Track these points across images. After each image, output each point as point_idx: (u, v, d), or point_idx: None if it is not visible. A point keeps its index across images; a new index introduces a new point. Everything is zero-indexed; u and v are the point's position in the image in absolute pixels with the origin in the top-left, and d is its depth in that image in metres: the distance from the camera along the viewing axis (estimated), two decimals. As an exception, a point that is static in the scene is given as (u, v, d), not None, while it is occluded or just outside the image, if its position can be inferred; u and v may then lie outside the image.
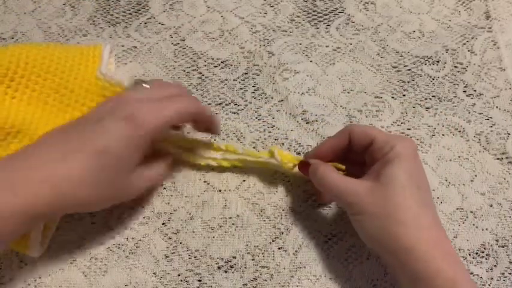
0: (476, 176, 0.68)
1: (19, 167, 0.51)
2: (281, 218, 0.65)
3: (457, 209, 0.66)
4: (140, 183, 0.58)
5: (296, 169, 0.65)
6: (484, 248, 0.64)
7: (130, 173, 0.55)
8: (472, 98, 0.74)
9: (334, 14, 0.82)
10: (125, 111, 0.53)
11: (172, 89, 0.61)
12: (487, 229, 0.65)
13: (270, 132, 0.71)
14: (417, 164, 0.57)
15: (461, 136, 0.71)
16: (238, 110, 0.73)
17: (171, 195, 0.66)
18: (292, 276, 0.62)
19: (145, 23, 0.80)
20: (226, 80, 0.75)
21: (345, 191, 0.56)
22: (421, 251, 0.51)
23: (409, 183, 0.54)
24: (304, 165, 0.63)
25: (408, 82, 0.75)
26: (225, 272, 0.62)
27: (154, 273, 0.62)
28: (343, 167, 0.64)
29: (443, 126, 0.71)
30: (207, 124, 0.63)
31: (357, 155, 0.61)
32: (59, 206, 0.51)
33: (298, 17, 0.81)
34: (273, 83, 0.75)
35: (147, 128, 0.53)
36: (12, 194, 0.48)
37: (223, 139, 0.70)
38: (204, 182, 0.67)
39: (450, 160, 0.69)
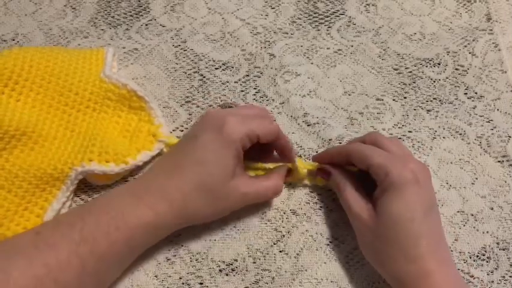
0: (477, 178, 0.68)
1: (141, 183, 0.60)
2: (282, 221, 0.65)
3: (458, 211, 0.66)
4: (245, 187, 0.61)
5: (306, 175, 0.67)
6: (485, 251, 0.64)
7: (230, 179, 0.59)
8: (473, 101, 0.74)
9: (335, 16, 0.82)
10: (216, 124, 0.59)
11: (256, 109, 0.65)
12: (487, 232, 0.65)
13: (271, 134, 0.71)
14: (416, 192, 0.55)
15: (462, 139, 0.71)
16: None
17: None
18: (293, 279, 0.62)
19: (146, 25, 0.80)
20: (227, 82, 0.75)
21: (354, 213, 0.59)
22: (409, 284, 0.53)
23: (401, 216, 0.54)
24: (323, 170, 0.65)
25: (409, 84, 0.75)
26: (227, 275, 0.62)
27: (155, 276, 0.62)
28: (355, 169, 0.63)
29: (444, 129, 0.71)
30: (283, 150, 0.65)
31: None
32: (173, 216, 0.58)
33: (299, 19, 0.81)
34: (274, 85, 0.75)
35: (235, 136, 0.58)
36: (143, 204, 0.56)
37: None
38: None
39: (451, 163, 0.69)
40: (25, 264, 0.50)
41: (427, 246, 0.54)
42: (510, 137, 0.71)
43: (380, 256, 0.56)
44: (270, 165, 0.66)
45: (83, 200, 0.66)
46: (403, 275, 0.53)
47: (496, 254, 0.64)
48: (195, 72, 0.76)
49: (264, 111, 0.66)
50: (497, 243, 0.64)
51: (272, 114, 0.72)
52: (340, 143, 0.70)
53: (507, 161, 0.69)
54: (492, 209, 0.66)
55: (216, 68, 0.76)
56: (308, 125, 0.71)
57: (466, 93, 0.75)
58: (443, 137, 0.71)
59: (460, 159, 0.69)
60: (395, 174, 0.55)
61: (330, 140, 0.70)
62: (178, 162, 0.59)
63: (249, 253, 0.63)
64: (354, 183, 0.61)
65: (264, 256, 0.63)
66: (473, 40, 0.79)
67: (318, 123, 0.72)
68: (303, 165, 0.66)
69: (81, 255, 0.52)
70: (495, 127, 0.72)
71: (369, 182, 0.60)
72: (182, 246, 0.63)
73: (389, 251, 0.54)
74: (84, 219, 0.54)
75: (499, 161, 0.69)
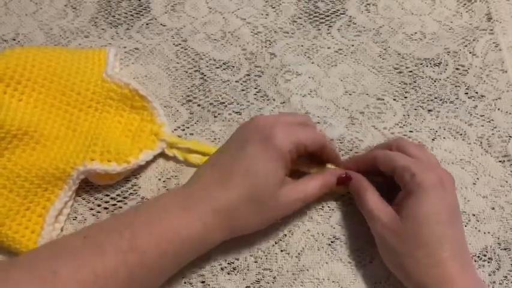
0: (478, 179, 0.68)
1: (189, 193, 0.59)
2: (284, 221, 0.65)
3: (459, 212, 0.66)
4: (292, 197, 0.60)
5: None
6: (486, 252, 0.64)
7: (278, 190, 0.59)
8: (473, 100, 0.74)
9: (336, 16, 0.82)
10: (263, 135, 0.58)
11: (299, 116, 0.65)
12: (489, 232, 0.65)
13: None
14: (441, 196, 0.56)
15: (463, 139, 0.71)
16: (241, 109, 0.73)
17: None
18: (295, 279, 0.62)
19: (147, 24, 0.80)
20: (228, 81, 0.75)
21: (373, 216, 0.58)
22: None
23: (427, 218, 0.54)
24: (344, 175, 0.64)
25: (410, 84, 0.75)
26: (228, 273, 0.62)
27: (157, 275, 0.62)
28: (380, 179, 0.63)
29: (444, 129, 0.71)
30: (329, 158, 0.65)
31: None
32: (222, 227, 0.58)
33: (300, 18, 0.82)
34: (275, 85, 0.75)
35: (282, 148, 0.58)
36: (193, 216, 0.56)
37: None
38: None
39: (452, 163, 0.69)
40: (73, 268, 0.50)
41: (452, 250, 0.54)
42: (511, 136, 0.71)
43: (403, 260, 0.55)
44: (317, 170, 0.66)
45: (84, 199, 0.66)
46: (427, 279, 0.53)
47: (498, 255, 0.63)
48: (195, 71, 0.76)
49: (308, 119, 0.66)
50: (499, 244, 0.64)
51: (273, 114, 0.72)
52: (341, 143, 0.70)
53: (508, 160, 0.69)
54: (493, 209, 0.66)
55: (216, 67, 0.76)
56: (309, 125, 0.71)
57: (466, 93, 0.75)
58: (444, 138, 0.71)
59: (461, 160, 0.69)
60: (420, 176, 0.56)
61: (331, 140, 0.70)
62: (227, 173, 0.58)
63: (250, 252, 0.63)
64: (374, 189, 0.61)
65: (265, 255, 0.63)
66: (474, 40, 0.80)
67: (318, 122, 0.72)
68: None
69: (129, 265, 0.52)
70: (496, 127, 0.72)
71: (388, 193, 0.60)
72: (184, 245, 0.63)
73: (414, 254, 0.54)
74: (134, 227, 0.54)
75: (500, 161, 0.69)
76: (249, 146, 0.58)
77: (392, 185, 0.60)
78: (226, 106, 0.73)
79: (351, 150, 0.70)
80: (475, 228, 0.65)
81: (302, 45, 0.79)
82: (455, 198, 0.58)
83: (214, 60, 0.77)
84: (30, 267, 0.50)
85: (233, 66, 0.77)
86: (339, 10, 0.83)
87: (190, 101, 0.74)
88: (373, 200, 0.59)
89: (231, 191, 0.57)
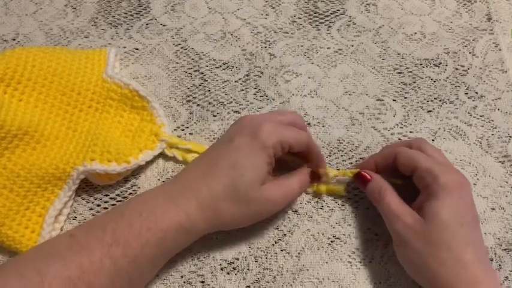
0: (478, 179, 0.68)
1: (174, 185, 0.60)
2: (284, 220, 0.65)
3: (460, 212, 0.66)
4: (275, 192, 0.60)
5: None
6: (487, 252, 0.64)
7: (260, 184, 0.59)
8: (473, 100, 0.74)
9: (336, 16, 0.82)
10: (251, 129, 0.60)
11: (290, 115, 0.64)
12: (490, 233, 0.65)
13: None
14: (462, 198, 0.56)
15: (463, 139, 0.71)
16: (240, 109, 0.73)
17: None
18: (295, 279, 0.62)
19: (147, 25, 0.80)
20: (228, 81, 0.75)
21: (395, 217, 0.58)
22: None
23: (452, 220, 0.54)
24: (361, 177, 0.64)
25: (410, 84, 0.75)
26: (228, 273, 0.62)
27: (157, 275, 0.62)
28: (399, 181, 0.63)
29: (444, 130, 0.71)
30: (313, 159, 0.65)
31: None
32: (204, 217, 0.58)
33: (300, 18, 0.82)
34: (275, 85, 0.75)
35: (269, 142, 0.59)
36: (175, 205, 0.57)
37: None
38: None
39: (452, 164, 0.69)
40: (60, 266, 0.51)
41: (475, 253, 0.54)
42: (511, 137, 0.71)
43: (426, 261, 0.55)
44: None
45: (84, 199, 0.66)
46: (454, 280, 0.53)
47: (499, 255, 0.64)
48: (195, 71, 0.76)
49: (299, 118, 0.65)
50: (500, 244, 0.64)
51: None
52: (341, 143, 0.70)
53: (508, 161, 0.69)
54: (494, 209, 0.66)
55: (216, 67, 0.76)
56: (308, 125, 0.71)
57: (466, 93, 0.75)
58: (444, 138, 0.71)
59: (461, 160, 0.69)
60: (443, 179, 0.56)
61: (329, 142, 0.70)
62: (212, 164, 0.59)
63: (250, 252, 0.64)
64: (393, 190, 0.61)
65: (265, 255, 0.63)
66: (474, 40, 0.80)
67: (318, 123, 0.72)
68: (335, 172, 0.66)
69: (113, 257, 0.53)
70: (496, 127, 0.72)
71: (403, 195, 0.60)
72: (184, 245, 0.63)
73: (439, 256, 0.54)
74: (117, 221, 0.55)
75: (500, 162, 0.69)
76: (236, 139, 0.60)
77: (408, 187, 0.60)
78: (225, 106, 0.73)
79: (350, 151, 0.70)
80: (476, 228, 0.65)
81: (302, 46, 0.79)
82: (473, 202, 0.58)
83: (214, 60, 0.77)
84: (17, 269, 0.51)
85: (233, 67, 0.77)
86: (338, 10, 0.83)
87: (190, 101, 0.74)
88: (394, 201, 0.59)
89: (214, 181, 0.58)
